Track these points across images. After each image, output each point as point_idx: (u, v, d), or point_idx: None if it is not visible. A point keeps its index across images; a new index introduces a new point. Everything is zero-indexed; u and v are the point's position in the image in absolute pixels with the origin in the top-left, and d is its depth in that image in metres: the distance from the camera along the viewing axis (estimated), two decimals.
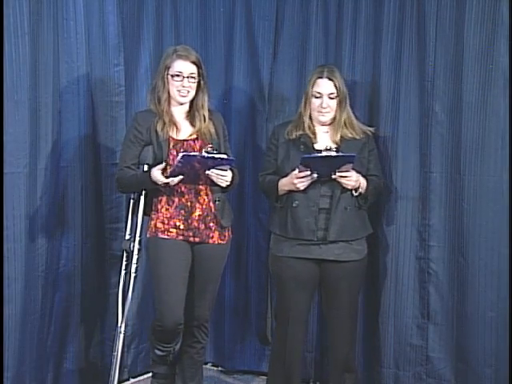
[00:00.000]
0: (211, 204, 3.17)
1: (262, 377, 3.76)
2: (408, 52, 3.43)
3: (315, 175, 3.11)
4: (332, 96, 3.23)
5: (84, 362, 3.60)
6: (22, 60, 3.12)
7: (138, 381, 3.83)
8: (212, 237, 3.20)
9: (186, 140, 3.18)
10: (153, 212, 3.20)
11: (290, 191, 3.20)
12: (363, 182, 3.21)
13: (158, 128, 3.15)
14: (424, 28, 3.37)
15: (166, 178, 3.03)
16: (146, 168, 3.13)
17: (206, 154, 3.01)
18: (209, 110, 3.24)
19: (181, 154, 2.97)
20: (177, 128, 3.19)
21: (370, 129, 3.34)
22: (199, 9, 3.91)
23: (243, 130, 3.87)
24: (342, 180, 3.14)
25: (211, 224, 3.18)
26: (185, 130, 3.21)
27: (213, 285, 3.28)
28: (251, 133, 3.86)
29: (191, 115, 3.22)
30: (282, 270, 3.27)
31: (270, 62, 3.79)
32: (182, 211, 3.15)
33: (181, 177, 3.01)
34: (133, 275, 3.17)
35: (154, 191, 3.16)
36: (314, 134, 3.27)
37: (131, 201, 3.23)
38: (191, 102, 3.22)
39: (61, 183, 3.40)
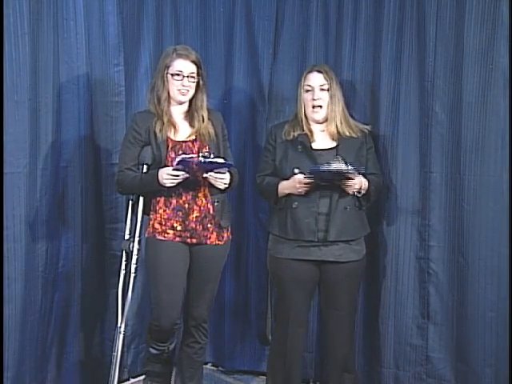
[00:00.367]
0: (209, 206, 3.17)
1: (262, 377, 3.76)
2: (408, 52, 3.43)
3: (320, 182, 3.11)
4: (323, 87, 3.23)
5: (84, 362, 3.60)
6: (22, 60, 3.12)
7: (138, 381, 3.83)
8: (210, 238, 3.19)
9: (185, 141, 3.17)
10: (151, 212, 3.19)
11: (290, 193, 3.20)
12: (365, 183, 3.21)
13: (157, 129, 3.14)
14: (424, 28, 3.37)
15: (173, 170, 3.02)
16: (145, 168, 3.12)
17: (202, 159, 3.01)
18: (208, 110, 3.23)
19: (177, 159, 2.97)
20: (175, 129, 3.18)
21: (367, 127, 3.35)
22: (199, 9, 3.91)
23: (243, 130, 3.87)
24: (347, 188, 3.14)
25: (209, 225, 3.18)
26: (183, 131, 3.20)
27: (211, 285, 3.28)
28: (251, 133, 3.86)
29: (190, 115, 3.21)
30: (282, 271, 3.27)
31: (270, 61, 3.79)
32: (180, 213, 3.14)
33: (186, 175, 3.01)
34: (132, 275, 3.17)
35: (153, 192, 3.15)
36: (311, 132, 3.26)
37: (130, 201, 3.23)
38: (190, 102, 3.21)
39: (61, 183, 3.40)
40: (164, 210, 3.15)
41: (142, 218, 3.20)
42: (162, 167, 3.08)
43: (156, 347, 3.28)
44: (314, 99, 3.23)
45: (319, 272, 3.25)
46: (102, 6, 3.51)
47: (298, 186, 3.14)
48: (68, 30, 3.36)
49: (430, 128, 3.40)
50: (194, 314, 3.28)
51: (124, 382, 3.75)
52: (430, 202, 3.42)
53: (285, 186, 3.22)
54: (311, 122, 3.29)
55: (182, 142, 3.17)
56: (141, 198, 3.18)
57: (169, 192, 3.11)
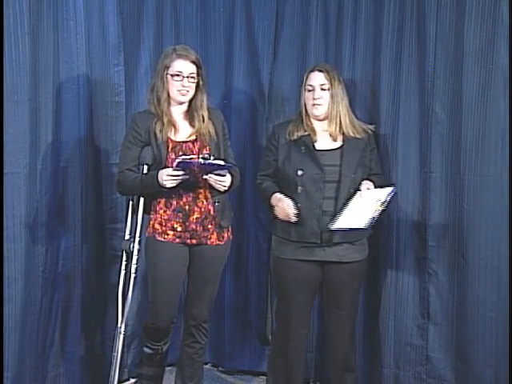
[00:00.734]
0: (210, 207, 3.16)
1: (262, 377, 3.76)
2: (408, 52, 3.43)
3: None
4: (324, 87, 3.22)
5: (84, 362, 3.60)
6: (22, 60, 3.13)
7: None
8: (210, 238, 3.19)
9: (185, 142, 3.16)
10: (152, 212, 3.19)
11: (291, 195, 3.19)
12: (372, 186, 3.20)
13: (157, 129, 3.13)
14: (424, 28, 3.37)
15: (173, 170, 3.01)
16: (145, 168, 3.12)
17: (202, 161, 3.00)
18: (208, 109, 3.22)
19: (177, 161, 2.97)
20: (175, 129, 3.17)
21: (370, 127, 3.34)
22: (199, 9, 3.90)
23: (243, 130, 3.87)
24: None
25: (209, 226, 3.17)
26: (184, 131, 3.20)
27: (211, 285, 3.28)
28: (251, 133, 3.86)
29: (190, 115, 3.20)
30: (285, 272, 3.26)
31: (270, 61, 3.79)
32: (180, 214, 3.14)
33: (186, 176, 3.01)
34: (133, 275, 3.16)
35: (154, 193, 3.15)
36: (314, 131, 3.26)
37: (130, 201, 3.23)
38: (190, 102, 3.21)
39: (61, 183, 3.40)
40: (164, 211, 3.15)
41: (143, 218, 3.20)
42: (163, 168, 3.07)
43: (151, 346, 3.29)
44: (314, 98, 3.23)
45: (322, 272, 3.25)
46: (102, 6, 3.51)
47: (289, 212, 3.13)
48: (68, 29, 3.36)
49: (430, 128, 3.40)
50: (194, 314, 3.28)
51: (124, 381, 3.75)
52: (429, 202, 3.42)
53: (276, 202, 3.21)
54: (313, 121, 3.28)
55: (183, 142, 3.16)
56: (141, 199, 3.18)
57: (169, 193, 3.11)
